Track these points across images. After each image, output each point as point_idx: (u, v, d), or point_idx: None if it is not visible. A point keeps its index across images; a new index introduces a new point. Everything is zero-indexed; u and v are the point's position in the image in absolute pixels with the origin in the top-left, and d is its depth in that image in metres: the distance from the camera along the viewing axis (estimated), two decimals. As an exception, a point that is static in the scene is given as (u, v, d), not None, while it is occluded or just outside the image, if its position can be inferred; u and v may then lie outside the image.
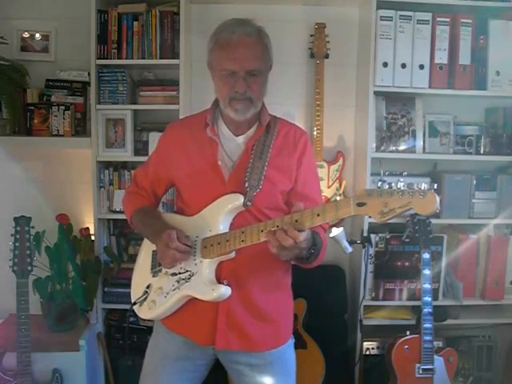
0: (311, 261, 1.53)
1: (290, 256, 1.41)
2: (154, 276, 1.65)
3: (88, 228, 2.66)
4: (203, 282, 1.52)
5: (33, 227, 2.27)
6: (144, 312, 1.64)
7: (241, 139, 1.63)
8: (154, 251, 1.67)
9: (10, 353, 2.27)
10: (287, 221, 1.36)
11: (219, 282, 1.53)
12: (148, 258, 1.70)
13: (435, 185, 1.25)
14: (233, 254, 1.52)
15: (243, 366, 1.65)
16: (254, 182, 1.54)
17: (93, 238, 2.66)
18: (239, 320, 1.59)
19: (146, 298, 1.63)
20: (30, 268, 2.22)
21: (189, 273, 1.55)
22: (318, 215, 1.34)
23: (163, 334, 1.69)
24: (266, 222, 1.43)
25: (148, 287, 1.64)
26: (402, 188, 1.25)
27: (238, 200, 1.53)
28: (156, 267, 1.65)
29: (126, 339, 2.70)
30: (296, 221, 1.36)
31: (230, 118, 1.60)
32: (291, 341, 1.73)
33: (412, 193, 1.22)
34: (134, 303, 1.66)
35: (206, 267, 1.53)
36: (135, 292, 1.70)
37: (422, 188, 1.23)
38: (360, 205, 1.27)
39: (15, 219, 2.25)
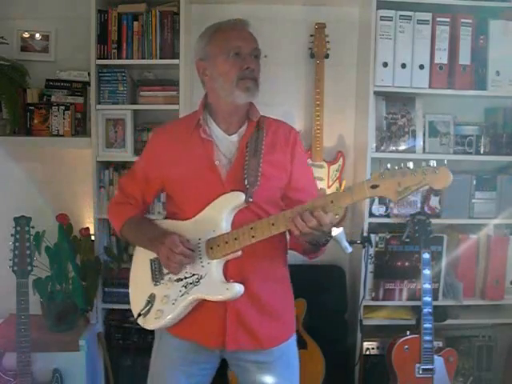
0: (319, 249, 1.59)
1: (310, 238, 1.44)
2: (155, 285, 1.61)
3: (88, 228, 2.66)
4: (215, 283, 1.52)
5: (33, 227, 2.28)
6: (150, 323, 1.60)
7: (234, 138, 1.63)
8: (151, 260, 1.63)
9: (10, 353, 2.27)
10: (299, 211, 1.39)
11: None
12: (146, 268, 1.65)
13: (445, 160, 1.28)
14: (240, 253, 1.52)
15: (250, 364, 1.65)
16: (252, 178, 1.55)
17: (93, 238, 2.66)
18: (248, 318, 1.59)
19: (150, 309, 1.59)
20: (30, 268, 2.22)
21: (196, 276, 1.54)
22: (332, 202, 1.37)
23: (167, 340, 1.67)
24: (276, 215, 1.46)
25: (150, 297, 1.60)
26: (414, 167, 1.29)
27: (239, 198, 1.53)
28: (157, 276, 1.62)
29: (127, 340, 2.70)
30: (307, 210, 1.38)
31: (221, 117, 1.63)
32: (295, 335, 1.74)
33: (425, 170, 1.26)
34: (139, 315, 1.61)
35: (214, 268, 1.53)
36: (136, 304, 1.65)
37: (432, 165, 1.27)
38: (374, 187, 1.31)
39: (15, 219, 2.25)
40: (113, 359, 2.65)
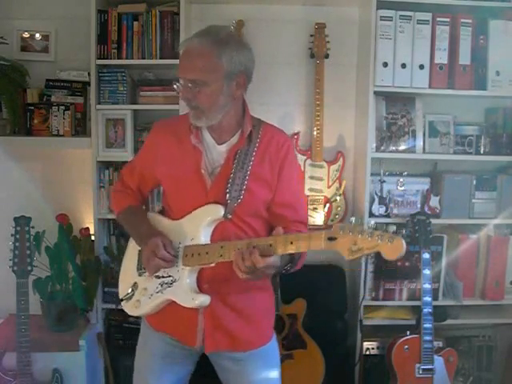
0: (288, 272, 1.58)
1: (255, 278, 1.43)
2: (139, 275, 1.68)
3: (88, 228, 2.66)
4: (184, 289, 1.56)
5: (33, 227, 2.28)
6: (130, 309, 1.70)
7: (223, 148, 1.62)
8: (139, 251, 1.70)
9: (10, 353, 2.27)
10: (262, 243, 1.40)
11: (200, 286, 1.57)
12: (135, 256, 1.72)
13: (404, 230, 1.26)
14: (213, 264, 1.54)
15: (227, 361, 1.69)
16: (236, 193, 1.56)
17: (93, 238, 2.66)
18: (224, 322, 1.63)
19: (131, 296, 1.68)
20: (30, 268, 2.22)
21: (171, 278, 1.58)
22: (292, 243, 1.37)
23: (149, 332, 1.73)
24: (242, 241, 1.46)
25: (134, 285, 1.68)
26: (373, 229, 1.25)
27: (218, 212, 1.56)
28: (141, 267, 1.68)
29: (127, 340, 2.70)
30: (270, 245, 1.39)
31: (211, 126, 1.60)
32: (274, 337, 1.77)
33: (381, 236, 1.23)
34: (122, 299, 1.71)
35: (187, 275, 1.56)
36: (122, 288, 1.74)
37: (391, 232, 1.24)
38: (331, 239, 1.30)
39: (15, 219, 2.25)
40: (113, 359, 2.65)
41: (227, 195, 1.55)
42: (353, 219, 1.29)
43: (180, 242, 1.59)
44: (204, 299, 1.53)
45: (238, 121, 1.62)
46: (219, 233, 1.57)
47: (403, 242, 1.22)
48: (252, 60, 1.58)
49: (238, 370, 1.68)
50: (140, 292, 1.65)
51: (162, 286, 1.60)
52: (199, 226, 1.56)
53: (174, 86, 1.57)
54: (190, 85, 1.51)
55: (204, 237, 1.56)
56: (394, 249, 1.22)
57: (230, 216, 1.56)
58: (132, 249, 1.76)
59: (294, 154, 1.72)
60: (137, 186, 1.78)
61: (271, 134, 1.65)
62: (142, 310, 1.66)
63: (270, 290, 1.76)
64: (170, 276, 1.58)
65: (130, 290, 1.68)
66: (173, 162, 1.64)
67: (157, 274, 1.61)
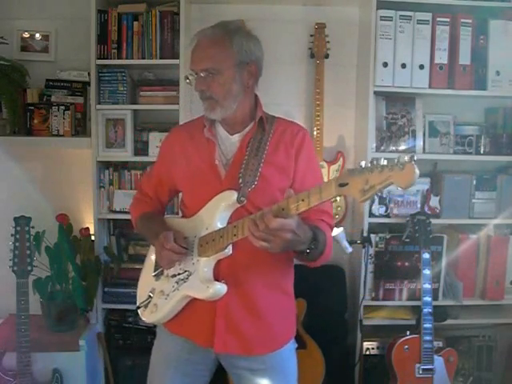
0: (315, 257, 1.50)
1: (274, 246, 1.36)
2: (156, 280, 1.66)
3: (88, 228, 2.66)
4: (200, 280, 1.52)
5: (33, 227, 2.28)
6: (147, 316, 1.66)
7: (236, 138, 1.64)
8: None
9: (10, 353, 2.27)
10: (275, 209, 1.34)
11: (217, 281, 1.53)
12: (152, 263, 1.71)
13: (415, 156, 1.17)
14: (229, 251, 1.51)
15: (244, 371, 1.64)
16: (249, 178, 1.54)
17: (93, 238, 2.66)
18: (237, 322, 1.58)
19: (149, 302, 1.65)
20: (29, 268, 2.22)
21: (187, 273, 1.56)
22: (303, 200, 1.31)
23: (165, 337, 1.70)
24: (255, 214, 1.40)
25: (151, 291, 1.66)
26: (382, 163, 1.16)
27: (231, 196, 1.52)
28: (158, 271, 1.66)
29: (127, 340, 2.71)
30: (283, 209, 1.33)
31: (223, 118, 1.62)
32: (291, 345, 1.71)
33: (391, 166, 1.14)
34: (138, 307, 1.68)
35: (202, 266, 1.53)
36: (140, 296, 1.72)
37: (401, 160, 1.13)
38: (342, 185, 1.22)
39: (15, 219, 2.25)
40: (113, 359, 2.65)
41: (240, 179, 1.54)
42: (363, 163, 1.21)
43: (195, 236, 1.57)
44: (220, 287, 1.48)
45: (251, 113, 1.63)
46: (235, 220, 1.52)
47: (415, 166, 1.11)
48: (261, 51, 1.61)
49: (253, 380, 1.63)
50: (157, 296, 1.63)
51: (177, 283, 1.57)
52: (214, 215, 1.54)
53: (186, 81, 1.60)
54: (202, 74, 1.53)
55: (220, 222, 1.52)
56: (406, 176, 1.11)
57: (243, 199, 1.52)
58: (150, 255, 1.74)
59: (311, 143, 1.70)
60: (154, 191, 1.79)
61: (285, 127, 1.66)
62: (159, 314, 1.62)
63: (290, 292, 1.70)
64: (185, 271, 1.56)
65: (147, 297, 1.65)
66: (187, 158, 1.65)
67: (173, 273, 1.59)
